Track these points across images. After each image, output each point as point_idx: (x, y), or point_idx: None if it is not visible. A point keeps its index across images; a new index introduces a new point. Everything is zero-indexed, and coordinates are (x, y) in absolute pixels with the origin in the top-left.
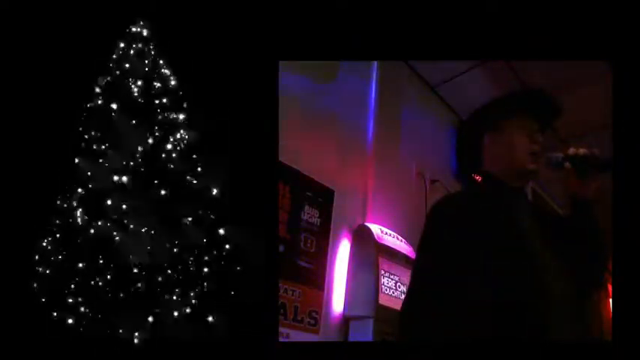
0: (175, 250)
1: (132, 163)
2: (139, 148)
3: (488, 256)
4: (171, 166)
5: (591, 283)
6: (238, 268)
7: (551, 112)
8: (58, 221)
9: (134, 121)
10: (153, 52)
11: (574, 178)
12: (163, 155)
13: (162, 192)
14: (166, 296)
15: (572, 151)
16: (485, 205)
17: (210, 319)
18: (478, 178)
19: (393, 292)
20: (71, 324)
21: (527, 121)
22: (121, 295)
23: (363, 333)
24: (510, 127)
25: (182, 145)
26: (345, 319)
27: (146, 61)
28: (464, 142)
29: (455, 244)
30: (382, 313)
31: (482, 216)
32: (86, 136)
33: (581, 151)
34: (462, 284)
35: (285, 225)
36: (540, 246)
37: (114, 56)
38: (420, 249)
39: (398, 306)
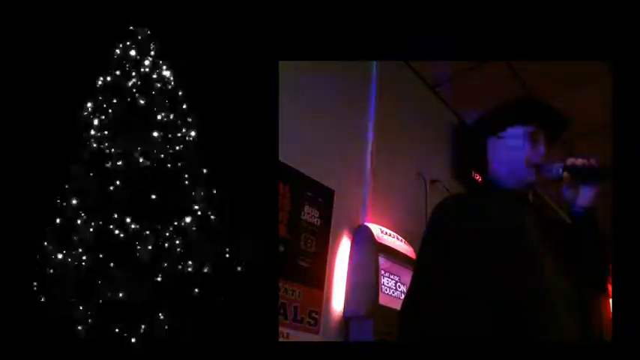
0: (175, 249)
1: (131, 163)
2: (139, 149)
3: (488, 257)
4: (171, 166)
5: (594, 287)
6: (239, 268)
7: (558, 124)
8: (58, 220)
9: (133, 122)
10: (152, 53)
11: (573, 188)
12: (163, 155)
13: (163, 192)
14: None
15: (570, 161)
16: (487, 208)
17: (209, 318)
18: (478, 178)
19: (393, 292)
20: (73, 325)
21: (533, 131)
22: (120, 295)
23: (363, 333)
24: (514, 135)
25: (182, 146)
26: (345, 319)
27: (146, 62)
28: (467, 147)
29: (455, 246)
30: (382, 313)
31: (483, 218)
32: (86, 136)
33: (579, 161)
34: (462, 285)
35: (285, 225)
36: (541, 249)
37: (113, 57)
38: (421, 249)
39: (398, 306)
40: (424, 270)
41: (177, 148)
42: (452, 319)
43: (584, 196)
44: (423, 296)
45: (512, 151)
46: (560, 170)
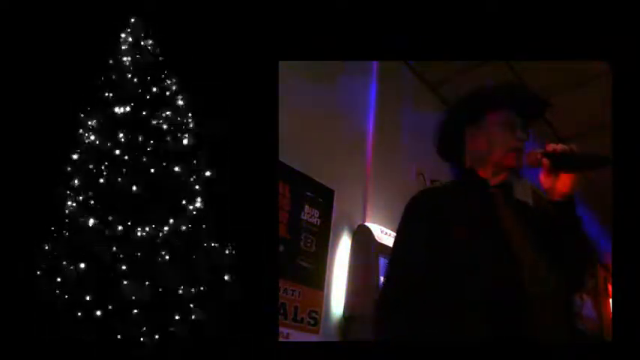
0: (175, 249)
1: (131, 162)
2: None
3: (462, 250)
4: (171, 166)
5: (572, 280)
6: (237, 267)
7: (535, 108)
8: (58, 220)
9: (132, 122)
10: (152, 52)
11: (552, 175)
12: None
13: (163, 191)
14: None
15: (550, 147)
16: (462, 200)
17: (209, 318)
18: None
19: None
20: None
21: (510, 116)
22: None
23: (363, 333)
24: (492, 121)
25: (181, 146)
26: (345, 319)
27: (145, 61)
28: (445, 135)
29: (428, 237)
30: None
31: (457, 210)
32: (85, 134)
33: (559, 147)
34: (435, 279)
35: (285, 225)
36: (520, 241)
37: (111, 57)
38: (395, 242)
39: None
40: (396, 263)
41: (177, 148)
42: (424, 312)
43: (563, 183)
44: (394, 289)
45: (490, 137)
46: (539, 156)
